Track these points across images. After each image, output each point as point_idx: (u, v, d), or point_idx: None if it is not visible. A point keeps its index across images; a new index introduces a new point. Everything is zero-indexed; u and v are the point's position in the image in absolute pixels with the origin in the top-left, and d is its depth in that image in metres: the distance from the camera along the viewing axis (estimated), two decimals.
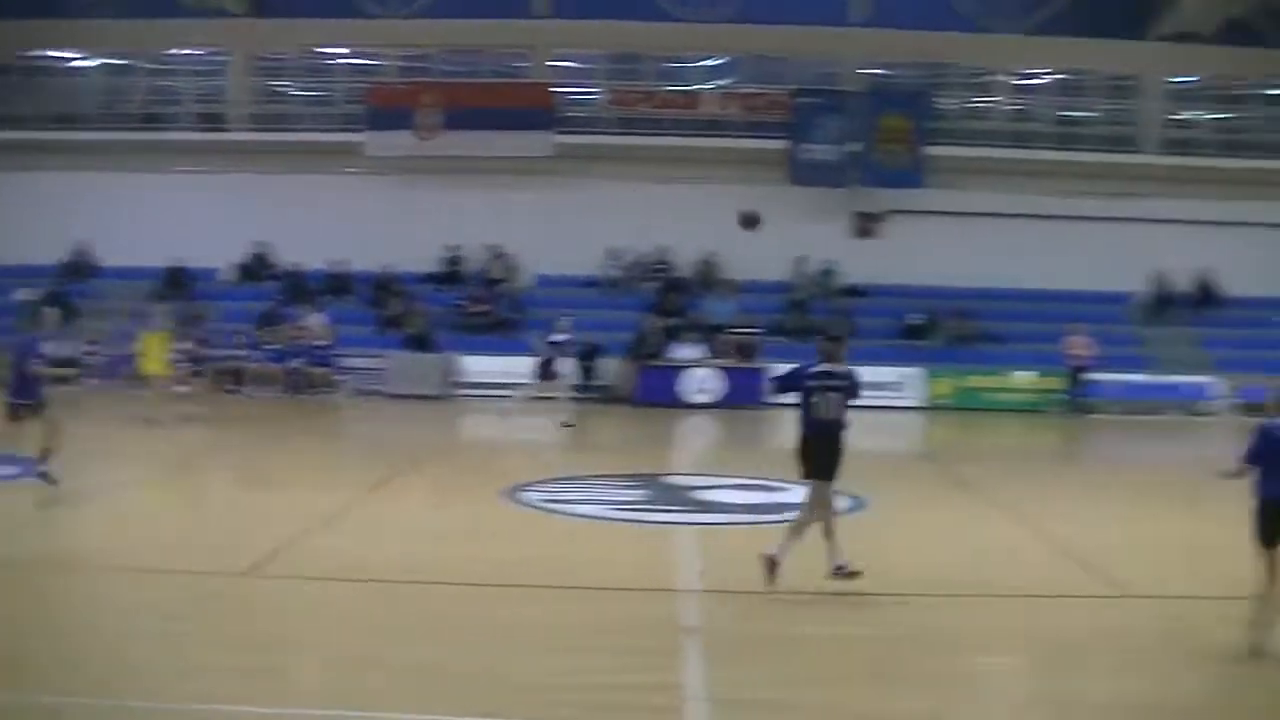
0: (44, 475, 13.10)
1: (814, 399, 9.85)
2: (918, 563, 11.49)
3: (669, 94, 30.24)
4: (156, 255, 27.94)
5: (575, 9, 29.61)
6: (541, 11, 29.97)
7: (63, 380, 20.82)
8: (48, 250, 28.41)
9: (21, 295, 26.35)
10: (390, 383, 25.80)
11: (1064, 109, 30.92)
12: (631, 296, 28.42)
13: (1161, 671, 8.49)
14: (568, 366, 22.94)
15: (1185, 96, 31.33)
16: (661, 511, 14.05)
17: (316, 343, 25.82)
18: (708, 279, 28.87)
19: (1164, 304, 29.21)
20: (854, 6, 29.48)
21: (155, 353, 20.88)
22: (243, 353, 25.90)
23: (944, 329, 27.84)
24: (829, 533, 9.95)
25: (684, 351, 26.42)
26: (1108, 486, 18.17)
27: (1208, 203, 29.22)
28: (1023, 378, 27.00)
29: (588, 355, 25.77)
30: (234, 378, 25.69)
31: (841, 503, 13.71)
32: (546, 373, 21.92)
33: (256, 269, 29.16)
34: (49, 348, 15.72)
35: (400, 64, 30.94)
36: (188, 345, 23.87)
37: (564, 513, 13.63)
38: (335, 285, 28.57)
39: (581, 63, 31.08)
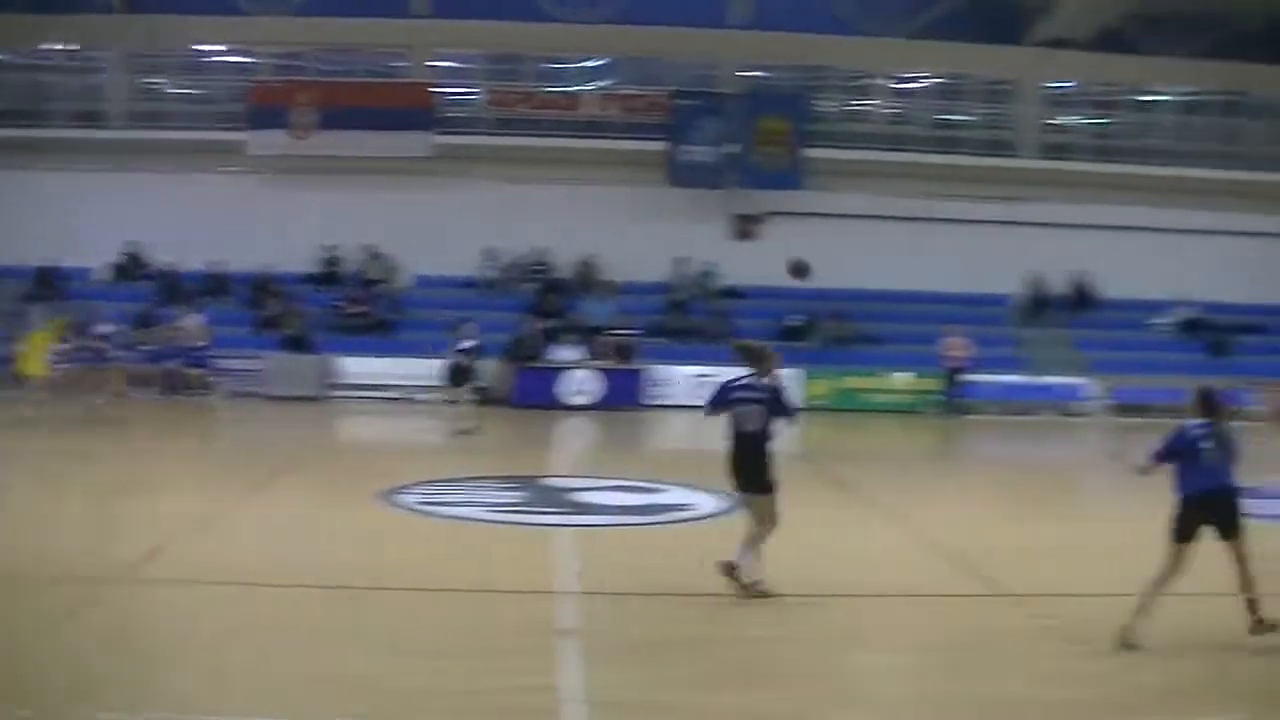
0: None
1: (736, 411, 10.40)
2: (795, 563, 12.17)
3: (548, 95, 32.43)
4: (31, 255, 29.18)
5: (454, 9, 31.60)
6: (420, 11, 31.87)
7: None
8: None
9: None
10: (268, 384, 27.21)
11: (942, 113, 33.67)
12: (510, 298, 30.29)
13: (1033, 669, 9.10)
14: (476, 373, 24.26)
15: (1061, 102, 34.31)
16: (539, 514, 14.68)
17: (192, 344, 27.04)
18: (586, 280, 30.92)
19: (1040, 306, 31.92)
20: (733, 9, 31.79)
21: (35, 353, 22.48)
22: (119, 354, 26.79)
23: (822, 330, 30.07)
24: (752, 540, 10.48)
25: (562, 353, 28.26)
26: (983, 487, 19.72)
27: (1083, 206, 32.09)
28: (900, 379, 29.43)
29: (465, 357, 27.93)
30: (111, 379, 26.37)
31: (719, 503, 14.89)
32: (455, 378, 23.35)
33: (131, 269, 30.51)
34: None
35: (278, 62, 32.67)
36: (67, 346, 25.02)
37: (441, 515, 14.21)
38: (212, 286, 30.00)
39: (460, 63, 33.04)
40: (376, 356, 28.05)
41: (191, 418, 25.43)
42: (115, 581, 10.32)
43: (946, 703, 8.43)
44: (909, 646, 9.78)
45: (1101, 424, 28.89)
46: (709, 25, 31.92)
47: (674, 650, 9.13)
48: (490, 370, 27.96)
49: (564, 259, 31.51)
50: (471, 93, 32.82)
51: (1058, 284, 32.43)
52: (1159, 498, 15.96)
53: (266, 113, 30.82)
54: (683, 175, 31.74)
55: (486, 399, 27.18)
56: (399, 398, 27.38)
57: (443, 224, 30.47)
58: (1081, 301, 32.55)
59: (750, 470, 10.40)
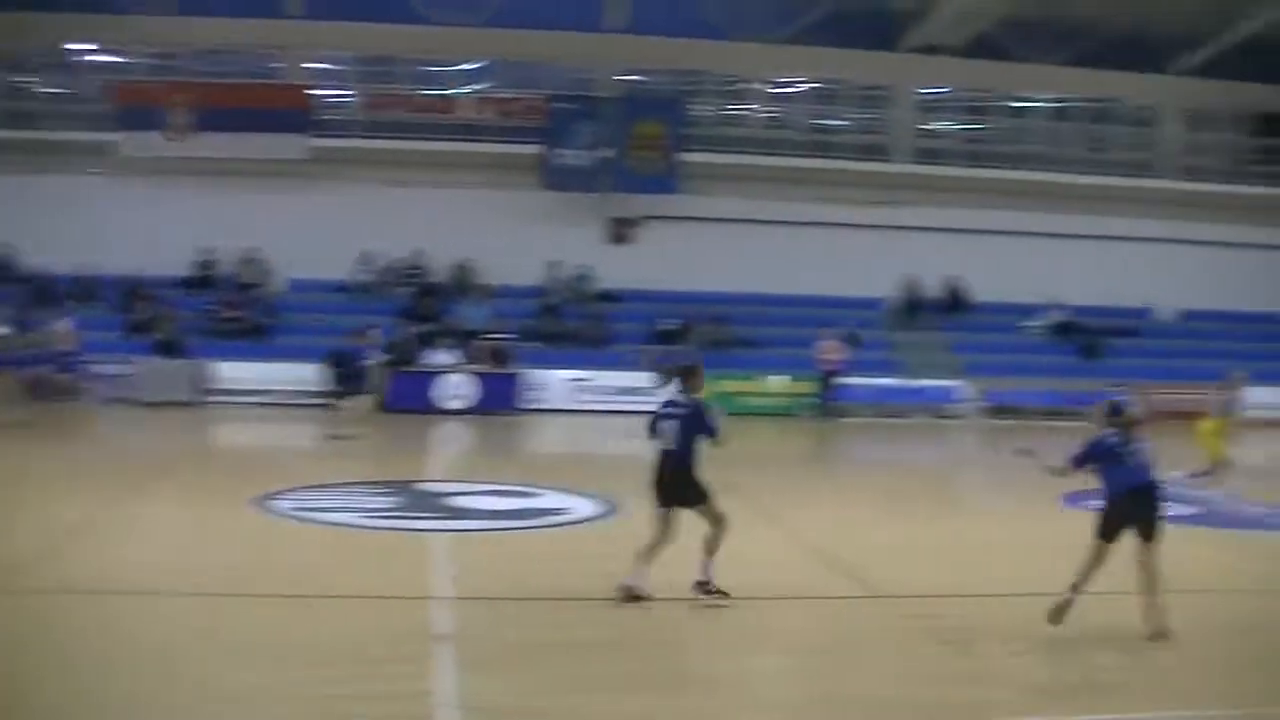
0: None
1: (658, 426, 11.38)
2: (672, 567, 12.61)
3: (424, 98, 34.65)
4: None
5: (330, 10, 33.43)
6: (295, 12, 33.62)
7: None
8: None
9: None
10: (140, 389, 28.49)
11: (817, 117, 36.66)
12: (385, 301, 32.12)
13: (910, 670, 9.87)
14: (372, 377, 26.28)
15: (934, 107, 37.44)
16: (415, 519, 15.44)
17: (61, 349, 28.15)
18: (462, 284, 33.02)
19: (914, 309, 34.87)
20: (609, 13, 34.04)
21: None
22: None
23: (698, 334, 32.40)
24: (648, 551, 11.30)
25: (438, 357, 30.04)
26: (858, 489, 21.15)
27: (956, 211, 35.12)
28: (776, 382, 31.83)
29: (340, 361, 28.20)
30: None
31: (595, 507, 16.38)
32: (351, 382, 25.35)
33: None
34: None
35: (151, 62, 34.30)
36: None
37: (316, 521, 14.86)
38: (82, 290, 31.23)
39: (336, 65, 35.10)
40: (251, 361, 29.79)
41: (61, 424, 25.88)
42: None
43: (825, 704, 9.16)
44: (787, 648, 10.64)
45: (975, 426, 31.81)
46: (585, 29, 34.29)
47: (550, 655, 9.80)
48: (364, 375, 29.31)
49: (439, 262, 33.53)
50: (347, 95, 34.97)
51: (931, 287, 35.49)
52: (1028, 498, 18.22)
53: (139, 113, 32.35)
54: (558, 179, 34.13)
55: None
56: (274, 403, 29.07)
57: (318, 227, 32.26)
58: (955, 305, 35.59)
59: (669, 486, 11.28)
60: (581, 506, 16.68)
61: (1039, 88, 37.81)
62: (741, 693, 9.44)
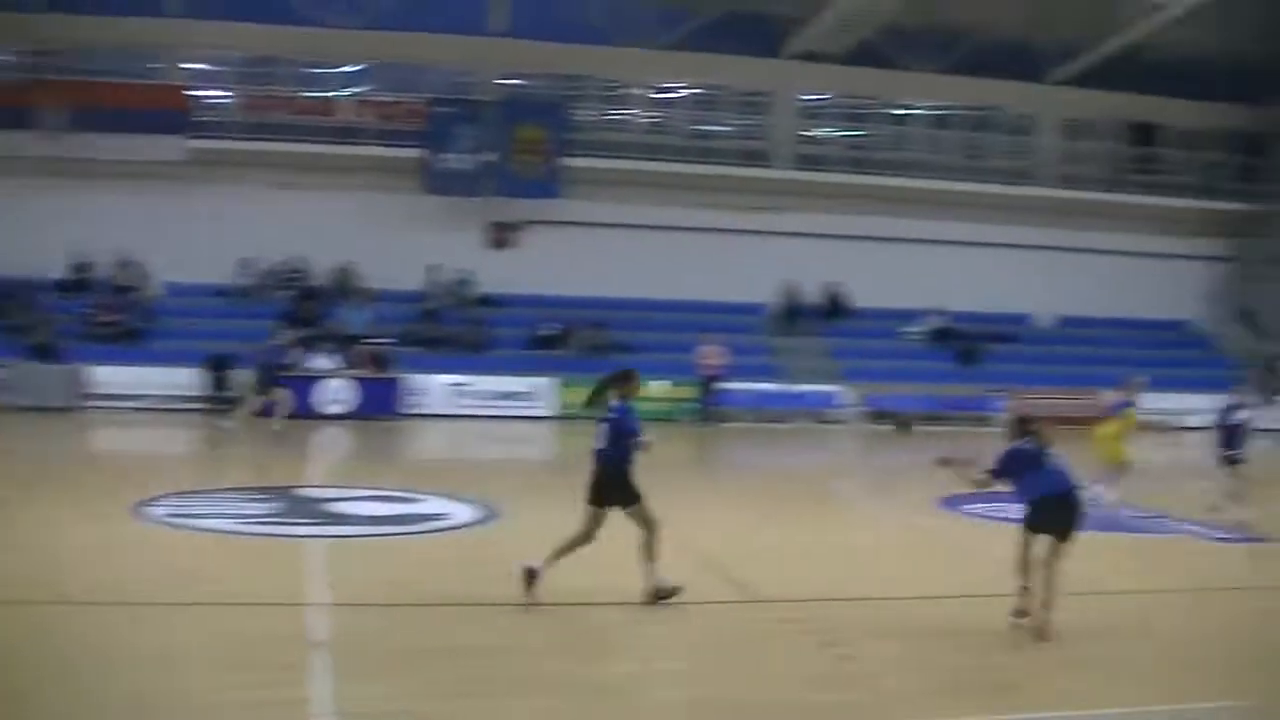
0: None
1: (596, 429, 12.19)
2: (554, 571, 12.89)
3: (305, 100, 35.91)
4: None
5: (209, 10, 34.33)
6: (174, 11, 34.47)
7: None
8: None
9: None
10: (12, 394, 28.53)
11: (699, 123, 38.77)
12: (265, 306, 33.17)
13: (793, 672, 10.33)
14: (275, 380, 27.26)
15: (815, 114, 39.84)
16: (294, 525, 15.79)
17: None
18: (343, 288, 34.40)
19: (794, 315, 37.08)
20: (492, 16, 35.52)
21: None
22: None
23: (578, 339, 34.24)
24: (564, 551, 11.97)
25: (318, 362, 31.19)
26: (739, 493, 21.97)
27: (836, 217, 37.46)
28: (656, 387, 32.68)
29: (218, 366, 30.24)
30: None
31: (475, 512, 17.00)
32: (265, 387, 26.34)
33: None
34: None
35: (25, 60, 34.93)
36: None
37: (193, 527, 15.13)
38: None
39: (215, 65, 36.18)
40: (127, 366, 30.72)
41: None
42: None
43: (705, 707, 9.49)
44: (668, 652, 11.05)
45: (855, 431, 33.87)
46: (467, 32, 35.79)
47: (429, 660, 10.13)
48: (243, 379, 30.07)
49: (320, 266, 34.87)
50: (226, 96, 36.10)
51: (811, 293, 37.79)
52: (905, 502, 19.65)
53: (11, 112, 33.00)
54: (439, 183, 35.67)
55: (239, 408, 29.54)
56: (151, 408, 30.11)
57: (196, 230, 33.31)
58: (835, 310, 37.91)
59: (598, 486, 12.00)
60: (461, 512, 17.19)
61: (919, 95, 40.29)
62: (621, 697, 9.77)
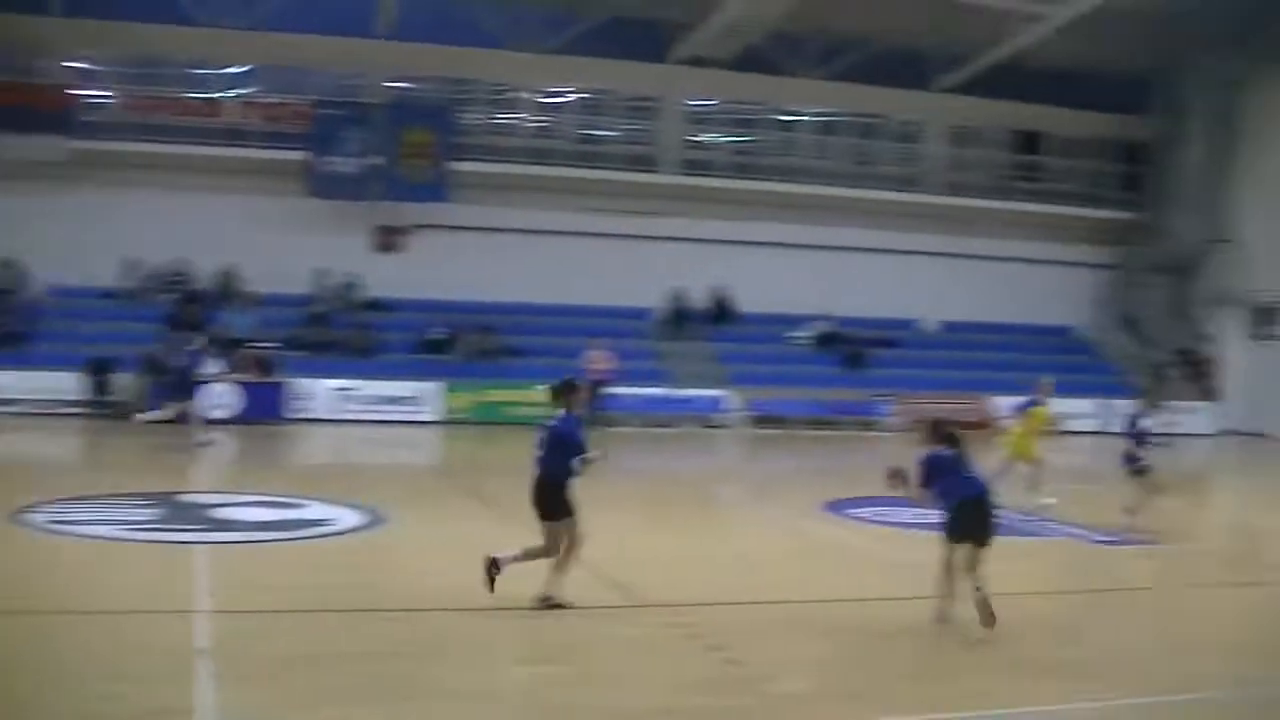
0: None
1: (536, 439, 12.54)
2: (437, 577, 13.82)
3: (189, 101, 36.97)
4: None
5: (93, 9, 35.04)
6: (57, 10, 34.96)
7: None
8: None
9: None
10: None
11: (586, 128, 40.55)
12: (148, 308, 33.89)
13: (677, 677, 10.58)
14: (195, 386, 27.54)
15: (703, 119, 41.85)
16: (176, 531, 16.01)
17: None
18: (227, 291, 35.51)
19: (681, 320, 38.97)
20: (379, 19, 36.69)
21: None
22: None
23: (465, 343, 35.73)
24: (526, 557, 12.32)
25: (201, 366, 30.50)
26: (623, 498, 21.41)
27: (723, 222, 39.41)
28: (542, 392, 35.69)
29: (100, 369, 31.15)
30: None
31: (360, 518, 17.50)
32: (181, 390, 26.93)
33: None
34: None
35: None
36: None
37: (72, 534, 15.27)
38: None
39: (99, 65, 37.02)
40: (8, 370, 31.45)
41: None
42: None
43: (591, 713, 9.73)
44: (551, 657, 11.32)
45: (741, 435, 35.52)
46: (354, 34, 36.99)
47: (313, 667, 10.29)
48: (126, 383, 31.92)
49: (204, 269, 35.83)
50: (110, 97, 36.99)
51: (698, 298, 39.69)
52: (791, 506, 20.49)
53: None
54: (325, 186, 36.94)
55: (122, 413, 30.63)
56: (32, 412, 30.83)
57: (79, 232, 34.15)
58: (721, 315, 39.87)
59: (537, 497, 12.44)
60: (346, 517, 17.59)
61: (807, 101, 42.49)
62: (501, 702, 10.03)
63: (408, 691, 9.93)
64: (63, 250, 33.83)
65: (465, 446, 31.51)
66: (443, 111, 38.83)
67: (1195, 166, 43.22)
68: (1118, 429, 22.09)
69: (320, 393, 33.64)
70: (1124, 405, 22.95)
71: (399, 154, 37.48)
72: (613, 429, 33.65)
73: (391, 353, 35.58)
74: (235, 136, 36.57)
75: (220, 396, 30.88)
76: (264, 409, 32.16)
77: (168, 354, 30.17)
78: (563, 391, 12.80)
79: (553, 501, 12.44)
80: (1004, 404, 22.95)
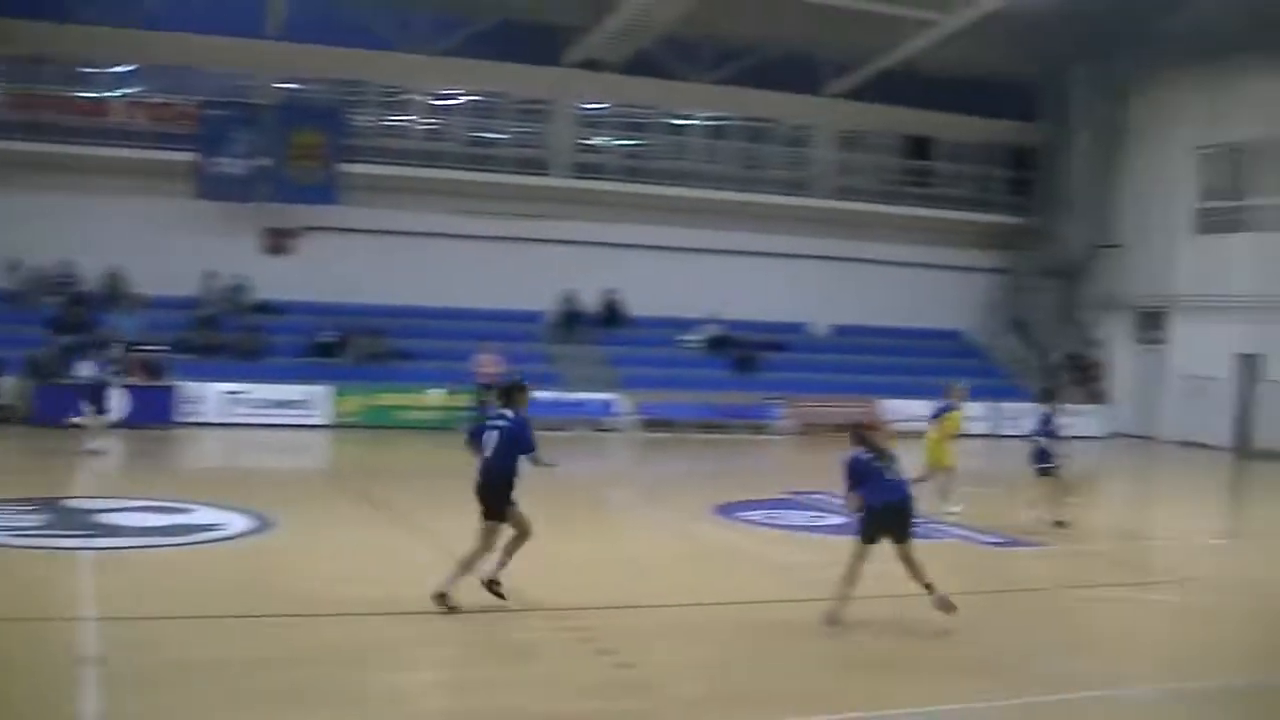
0: None
1: (482, 439, 13.19)
2: (326, 582, 14.14)
3: (75, 100, 37.49)
4: None
5: None
6: None
7: None
8: None
9: None
10: None
11: (478, 130, 41.86)
12: (32, 311, 34.14)
13: (572, 681, 11.00)
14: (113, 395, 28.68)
15: (594, 122, 43.29)
16: (61, 537, 16.33)
17: None
18: (114, 293, 36.05)
19: (572, 323, 40.37)
20: (269, 19, 37.62)
21: None
22: None
23: (355, 346, 36.78)
24: (468, 562, 12.94)
25: (87, 369, 30.74)
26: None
27: (615, 225, 40.84)
28: (433, 396, 35.98)
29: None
30: None
31: (249, 522, 18.08)
32: (96, 402, 27.68)
33: None
34: None
35: None
36: None
37: None
38: None
39: None
40: None
41: None
42: None
43: (481, 718, 10.08)
44: (442, 661, 11.77)
45: (632, 439, 36.79)
46: (243, 34, 37.81)
47: (199, 673, 10.57)
48: (9, 387, 32.43)
49: (90, 271, 36.11)
50: None
51: (590, 301, 41.14)
52: (682, 510, 21.37)
53: None
54: (213, 187, 37.69)
55: (5, 417, 31.29)
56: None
57: None
58: (612, 319, 41.37)
59: (482, 494, 13.05)
60: (236, 522, 18.10)
61: (697, 105, 44.10)
62: (394, 707, 10.34)
63: (293, 697, 10.25)
64: None
65: (355, 450, 32.15)
66: (333, 113, 39.81)
67: (1082, 172, 45.50)
68: (1025, 431, 23.25)
69: (209, 396, 34.24)
70: (1025, 408, 23.59)
71: (288, 155, 38.31)
72: None
73: (281, 356, 36.41)
74: (122, 136, 37.03)
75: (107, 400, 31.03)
76: (152, 413, 32.52)
77: (67, 360, 30.88)
78: (511, 392, 13.58)
79: (503, 499, 13.10)
80: (923, 410, 23.62)
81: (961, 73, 43.37)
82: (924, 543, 16.76)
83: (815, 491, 24.56)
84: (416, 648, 12.27)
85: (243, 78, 39.66)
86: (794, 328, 43.71)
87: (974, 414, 36.64)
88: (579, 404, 37.66)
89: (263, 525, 18.03)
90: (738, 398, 39.79)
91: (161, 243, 36.45)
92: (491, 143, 42.22)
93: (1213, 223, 42.19)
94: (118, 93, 38.49)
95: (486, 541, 13.17)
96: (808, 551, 18.47)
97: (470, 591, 13.28)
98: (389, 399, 36.12)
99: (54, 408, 30.28)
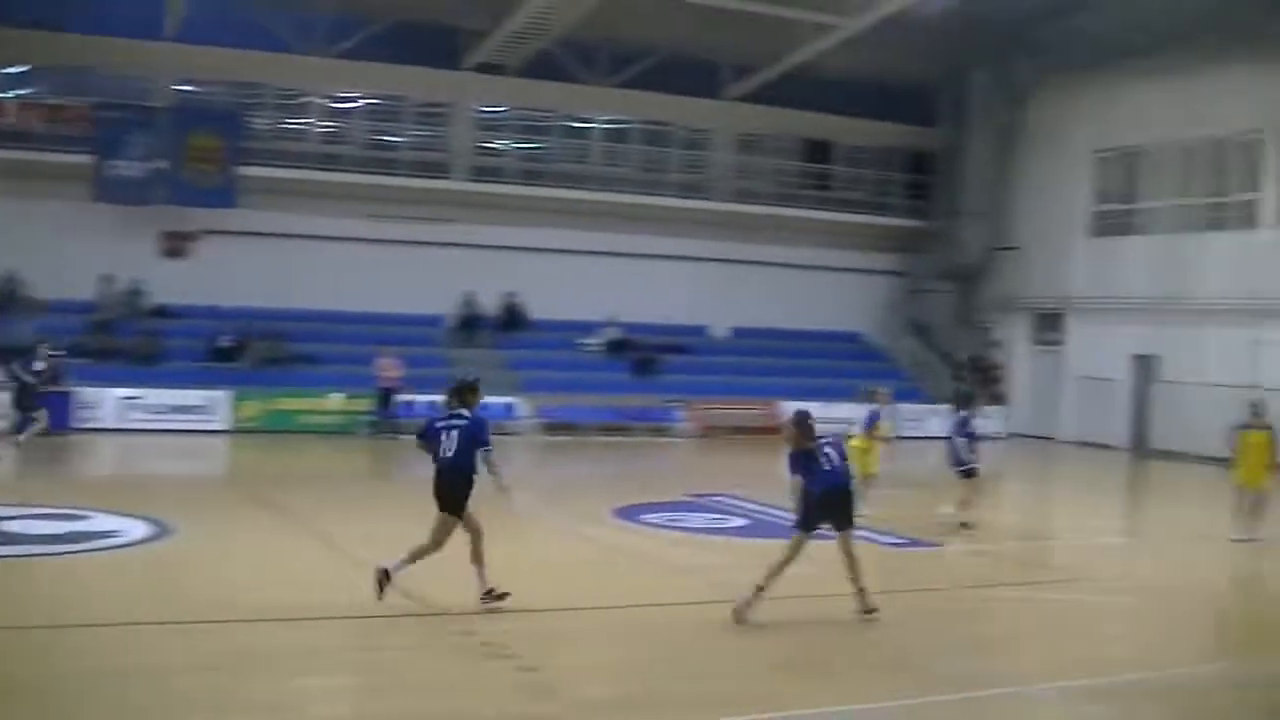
0: None
1: (441, 439, 13.66)
2: (228, 588, 14.23)
3: None
4: None
5: None
6: None
7: None
8: None
9: None
10: None
11: (377, 133, 42.91)
12: None
13: (474, 685, 11.19)
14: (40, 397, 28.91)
15: (494, 125, 44.52)
16: None
17: None
18: (10, 298, 36.52)
19: (472, 326, 41.48)
20: (167, 20, 38.23)
21: None
22: None
23: (254, 351, 37.60)
24: (418, 555, 13.44)
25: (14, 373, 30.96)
26: (412, 506, 20.47)
27: (515, 229, 42.09)
28: (333, 400, 36.92)
29: None
30: None
31: (148, 529, 18.13)
32: (25, 404, 28.12)
33: None
34: None
35: None
36: None
37: None
38: None
39: None
40: None
41: None
42: None
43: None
44: (343, 667, 11.85)
45: (532, 442, 37.77)
46: (141, 36, 38.52)
47: (92, 683, 10.65)
48: None
49: None
50: None
51: (490, 305, 42.30)
52: (580, 513, 22.03)
53: None
54: (109, 190, 38.32)
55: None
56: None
57: None
58: (512, 322, 42.55)
59: (443, 491, 13.57)
60: (133, 529, 18.12)
61: (597, 109, 45.39)
62: (286, 714, 10.41)
63: (184, 706, 10.40)
64: None
65: (255, 455, 32.76)
66: (230, 116, 40.59)
67: (980, 175, 47.43)
68: (942, 432, 24.14)
69: (107, 401, 34.72)
70: (925, 409, 24.23)
71: (185, 158, 39.00)
72: (403, 437, 34.84)
73: (179, 360, 37.13)
74: (16, 138, 37.36)
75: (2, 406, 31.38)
76: (49, 419, 31.93)
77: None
78: (466, 391, 14.17)
79: (463, 496, 13.69)
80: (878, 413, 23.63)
81: (860, 77, 45.00)
82: (823, 544, 17.12)
83: (716, 494, 25.69)
84: (314, 654, 12.39)
85: (139, 80, 40.18)
86: (694, 330, 45.12)
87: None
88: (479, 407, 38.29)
89: (162, 532, 18.13)
90: (638, 401, 40.93)
91: (58, 246, 36.99)
92: (391, 146, 43.20)
93: (1109, 225, 44.20)
94: (11, 94, 38.98)
95: (439, 536, 13.69)
96: (709, 554, 19.06)
97: (363, 596, 13.71)
98: (289, 403, 36.92)
99: None
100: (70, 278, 36.84)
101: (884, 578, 14.90)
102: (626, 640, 13.30)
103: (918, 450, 25.52)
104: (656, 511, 22.71)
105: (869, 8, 38.63)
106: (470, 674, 11.77)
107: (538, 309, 42.78)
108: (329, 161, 41.68)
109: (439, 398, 35.66)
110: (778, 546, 14.07)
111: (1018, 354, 47.05)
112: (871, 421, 22.73)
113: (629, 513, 22.30)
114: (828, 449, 14.10)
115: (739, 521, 21.97)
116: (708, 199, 45.95)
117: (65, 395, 33.86)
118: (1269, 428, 22.39)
